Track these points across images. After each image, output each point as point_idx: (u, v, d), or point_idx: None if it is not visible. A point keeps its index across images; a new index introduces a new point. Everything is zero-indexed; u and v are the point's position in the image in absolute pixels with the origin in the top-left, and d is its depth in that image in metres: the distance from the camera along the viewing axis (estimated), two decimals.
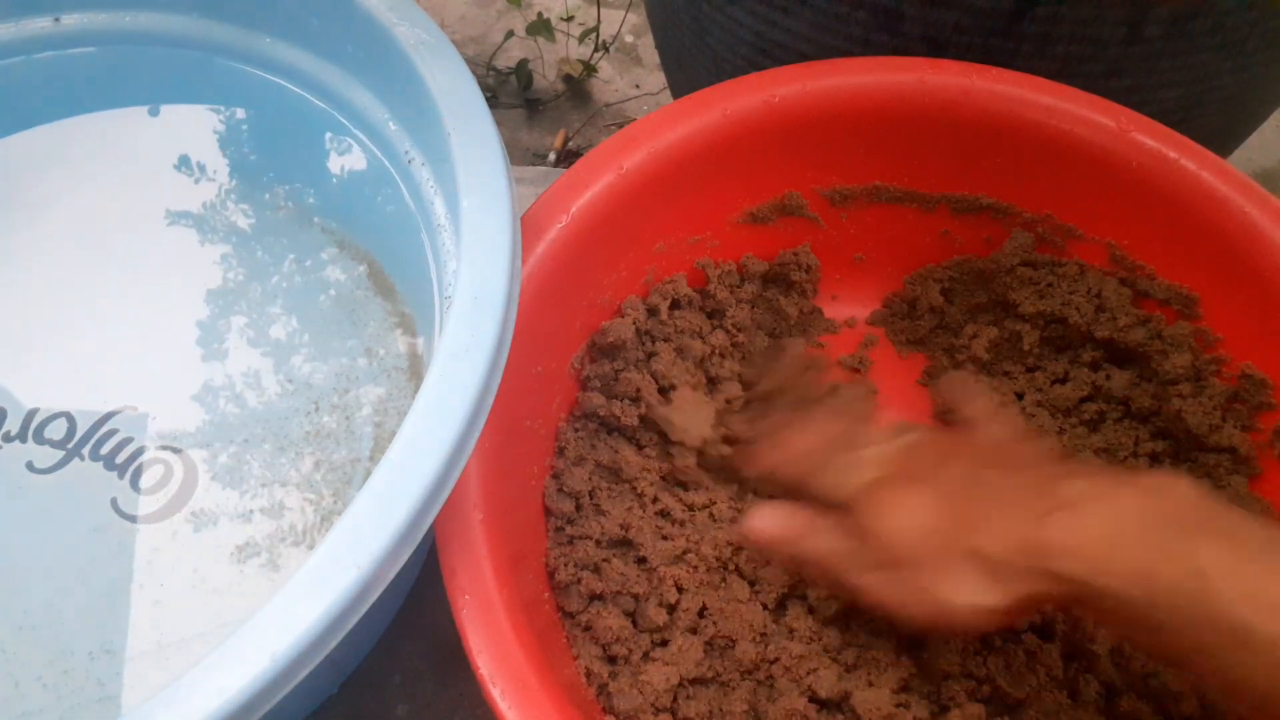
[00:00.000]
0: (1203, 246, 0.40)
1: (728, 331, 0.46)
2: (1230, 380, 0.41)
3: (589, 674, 0.36)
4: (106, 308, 0.44)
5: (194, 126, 0.48)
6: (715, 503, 0.42)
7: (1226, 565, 0.25)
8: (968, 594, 0.30)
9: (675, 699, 0.36)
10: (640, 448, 0.43)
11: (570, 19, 1.22)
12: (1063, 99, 0.41)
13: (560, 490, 0.40)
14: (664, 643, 0.37)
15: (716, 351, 0.45)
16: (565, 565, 0.38)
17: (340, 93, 0.45)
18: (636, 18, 1.23)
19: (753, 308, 0.47)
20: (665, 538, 0.40)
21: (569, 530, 0.39)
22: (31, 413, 0.41)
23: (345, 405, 0.42)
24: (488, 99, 0.37)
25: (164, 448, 0.40)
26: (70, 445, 0.40)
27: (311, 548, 0.36)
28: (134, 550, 0.38)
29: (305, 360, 0.43)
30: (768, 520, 0.36)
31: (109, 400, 0.42)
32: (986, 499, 0.31)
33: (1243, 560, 0.25)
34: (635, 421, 0.42)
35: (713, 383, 0.45)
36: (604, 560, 0.39)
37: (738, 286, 0.46)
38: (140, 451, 0.40)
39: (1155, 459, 0.42)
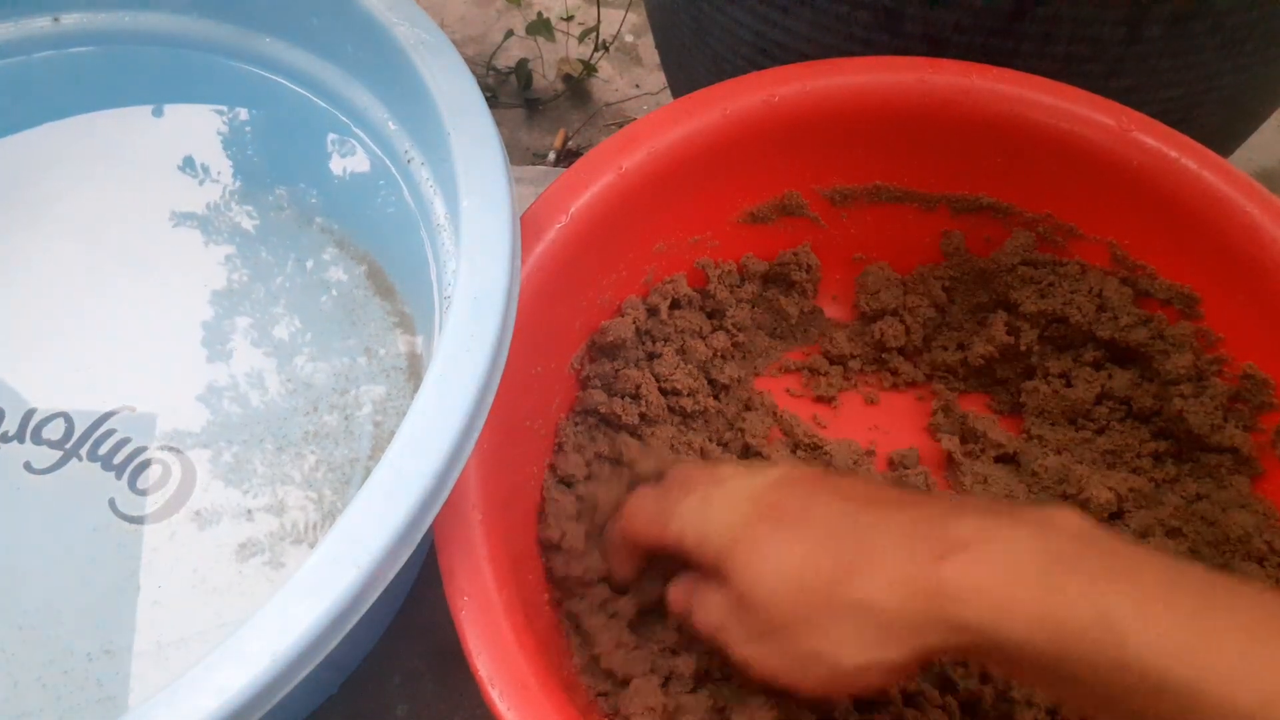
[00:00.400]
0: (1204, 246, 0.40)
1: (728, 332, 0.46)
2: (1232, 380, 0.41)
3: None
4: (107, 307, 0.44)
5: (197, 126, 0.48)
6: None
7: (1132, 608, 0.24)
8: (858, 653, 0.27)
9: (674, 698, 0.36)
10: (641, 441, 0.43)
11: (570, 19, 1.22)
12: (1063, 99, 0.41)
13: (559, 482, 0.40)
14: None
15: (718, 354, 0.45)
16: None
17: (341, 93, 0.45)
18: (636, 18, 1.23)
19: (753, 308, 0.47)
20: None
21: None
22: (29, 413, 0.41)
23: (345, 405, 0.42)
24: (487, 99, 0.37)
25: (164, 448, 0.40)
26: (68, 445, 0.40)
27: (313, 545, 0.36)
28: (133, 550, 0.38)
29: (307, 360, 0.43)
30: (672, 594, 0.34)
31: (107, 400, 0.41)
32: (869, 541, 0.28)
33: (1148, 600, 0.24)
34: (636, 420, 0.42)
35: (714, 386, 0.45)
36: None
37: (738, 286, 0.46)
38: (139, 452, 0.40)
39: (1158, 459, 0.42)
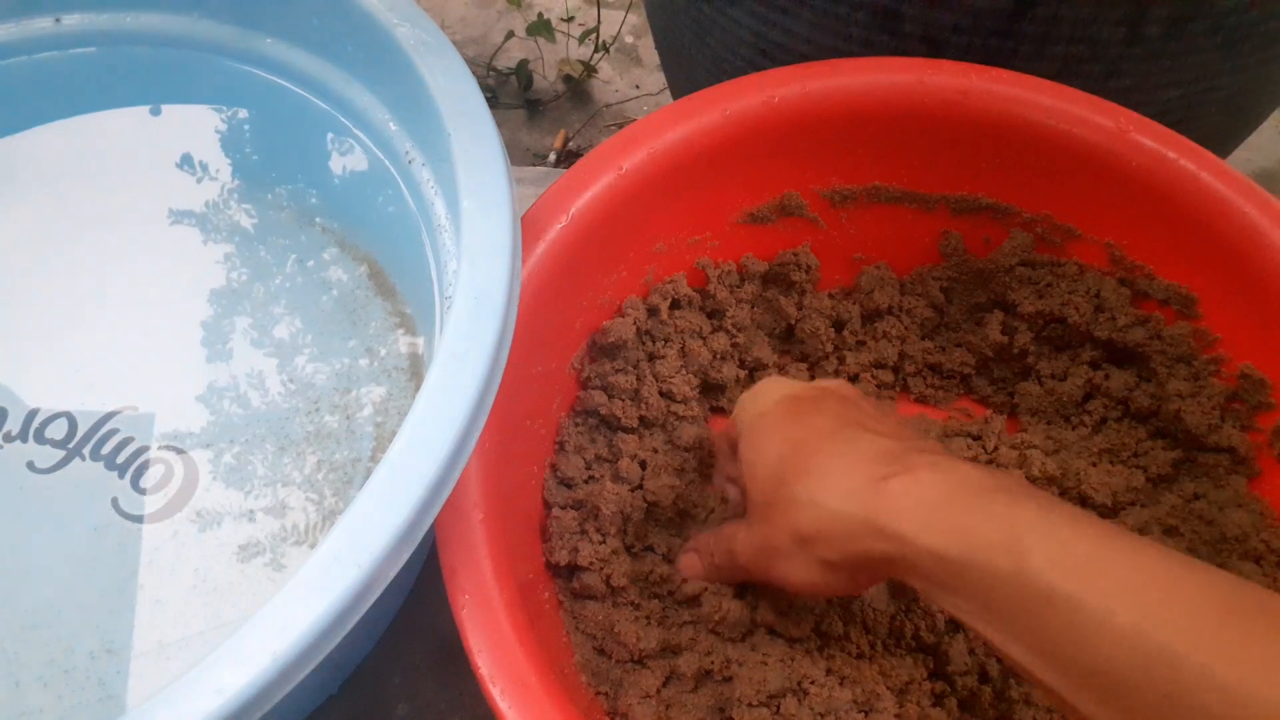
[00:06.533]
0: (1202, 247, 0.40)
1: (728, 332, 0.46)
2: (1229, 380, 0.41)
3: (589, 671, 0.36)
4: (108, 307, 0.44)
5: (196, 126, 0.48)
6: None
7: (1040, 529, 0.26)
8: (796, 547, 0.31)
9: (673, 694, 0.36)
10: (640, 440, 0.43)
11: (570, 19, 1.22)
12: (1062, 99, 0.42)
13: (559, 484, 0.40)
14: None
15: (718, 355, 0.45)
16: None
17: (341, 93, 0.45)
18: (636, 18, 1.23)
19: (752, 308, 0.47)
20: None
21: None
22: (32, 413, 0.41)
23: (346, 405, 0.42)
24: (488, 99, 0.37)
25: (166, 448, 0.41)
26: (71, 445, 0.40)
27: (314, 546, 0.36)
28: (135, 550, 0.38)
29: (308, 360, 0.43)
30: (685, 560, 0.39)
31: (110, 400, 0.42)
32: (840, 451, 0.32)
33: (1055, 525, 0.26)
34: (635, 421, 0.42)
35: (709, 389, 0.45)
36: None
37: (737, 286, 0.46)
38: (141, 451, 0.40)
39: (1155, 458, 0.42)
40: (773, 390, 0.36)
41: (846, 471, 0.31)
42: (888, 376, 0.48)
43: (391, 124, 0.44)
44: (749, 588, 0.38)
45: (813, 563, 0.31)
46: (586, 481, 0.41)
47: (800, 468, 0.32)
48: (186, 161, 0.48)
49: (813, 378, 0.48)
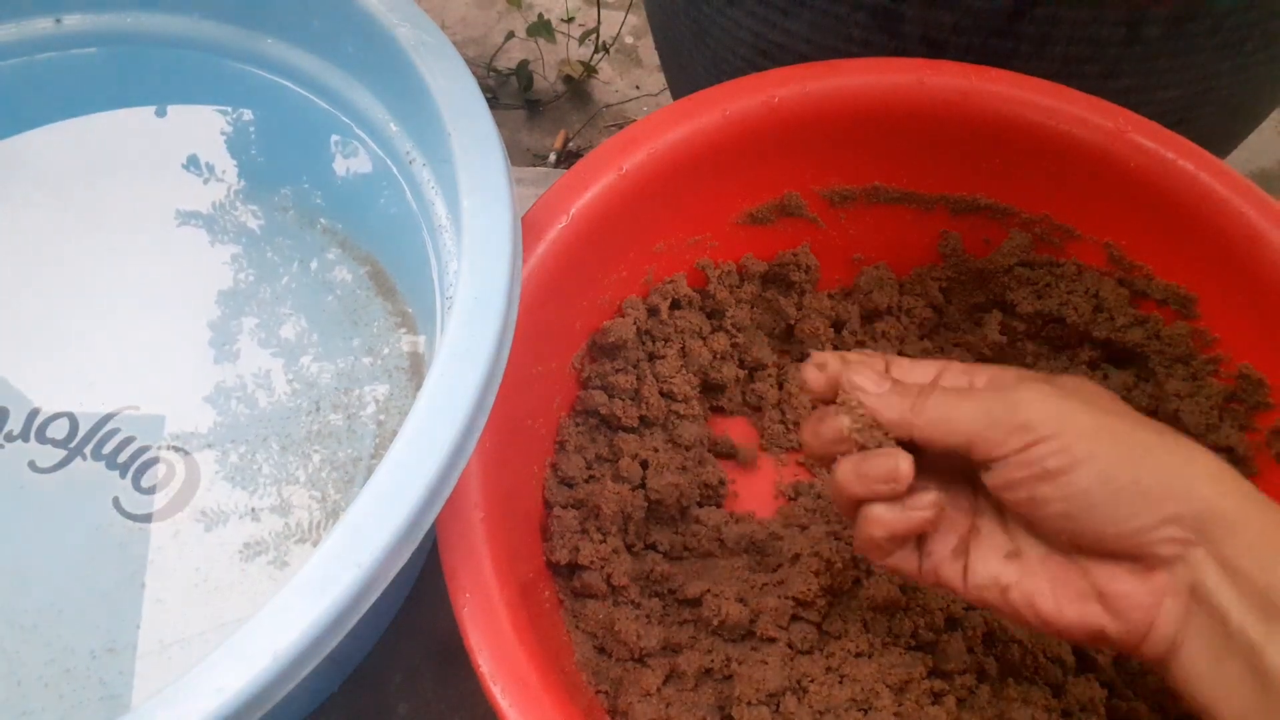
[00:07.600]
0: (1200, 247, 0.40)
1: (728, 332, 0.46)
2: (1228, 380, 0.41)
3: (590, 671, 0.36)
4: (111, 308, 0.44)
5: (201, 127, 0.48)
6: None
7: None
8: (1074, 390, 0.29)
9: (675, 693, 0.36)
10: (641, 440, 0.43)
11: (570, 20, 1.22)
12: (1061, 100, 0.42)
13: (560, 483, 0.40)
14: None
15: (718, 355, 0.45)
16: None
17: (342, 94, 0.45)
18: (636, 19, 1.23)
19: (752, 308, 0.47)
20: None
21: None
22: (34, 412, 0.41)
23: (348, 404, 0.42)
24: (488, 100, 0.37)
25: (168, 447, 0.41)
26: (72, 445, 0.41)
27: (317, 544, 0.36)
28: (136, 549, 0.38)
29: (312, 360, 0.43)
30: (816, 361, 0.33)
31: (111, 400, 0.42)
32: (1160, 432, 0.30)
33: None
34: (636, 421, 0.42)
35: (709, 388, 0.45)
36: None
37: (737, 287, 0.47)
38: (143, 451, 0.40)
39: None
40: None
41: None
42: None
43: (392, 124, 0.44)
44: (749, 595, 0.38)
45: (1096, 410, 0.28)
46: (587, 481, 0.41)
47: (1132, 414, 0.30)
48: (193, 163, 0.48)
49: None
